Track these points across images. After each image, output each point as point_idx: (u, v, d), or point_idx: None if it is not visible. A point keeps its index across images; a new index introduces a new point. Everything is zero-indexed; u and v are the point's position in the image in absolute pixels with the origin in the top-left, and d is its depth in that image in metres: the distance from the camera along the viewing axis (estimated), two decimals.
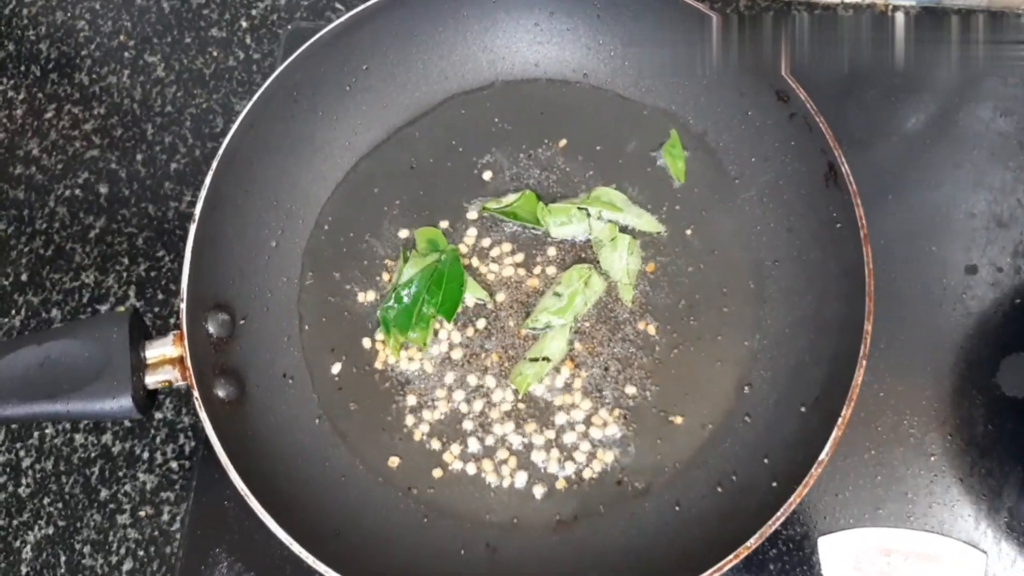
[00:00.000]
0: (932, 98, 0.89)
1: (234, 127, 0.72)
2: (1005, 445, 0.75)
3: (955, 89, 0.89)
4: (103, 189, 0.92)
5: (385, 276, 0.79)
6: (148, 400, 0.66)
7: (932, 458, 0.75)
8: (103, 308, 0.87)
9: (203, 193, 0.70)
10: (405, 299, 0.75)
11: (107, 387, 0.62)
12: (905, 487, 0.74)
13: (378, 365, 0.75)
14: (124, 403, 0.62)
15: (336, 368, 0.75)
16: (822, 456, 0.62)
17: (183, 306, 0.67)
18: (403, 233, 0.80)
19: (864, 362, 0.64)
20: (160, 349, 0.66)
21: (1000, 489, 0.74)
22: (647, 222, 0.78)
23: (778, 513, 0.61)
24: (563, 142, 0.82)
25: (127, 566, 0.76)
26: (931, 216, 0.83)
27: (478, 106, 0.84)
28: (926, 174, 0.85)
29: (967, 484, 0.74)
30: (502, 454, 0.72)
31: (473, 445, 0.72)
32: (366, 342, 0.76)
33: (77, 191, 0.92)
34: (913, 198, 0.84)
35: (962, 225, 0.83)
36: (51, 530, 0.78)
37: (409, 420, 0.73)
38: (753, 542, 0.61)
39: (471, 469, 0.72)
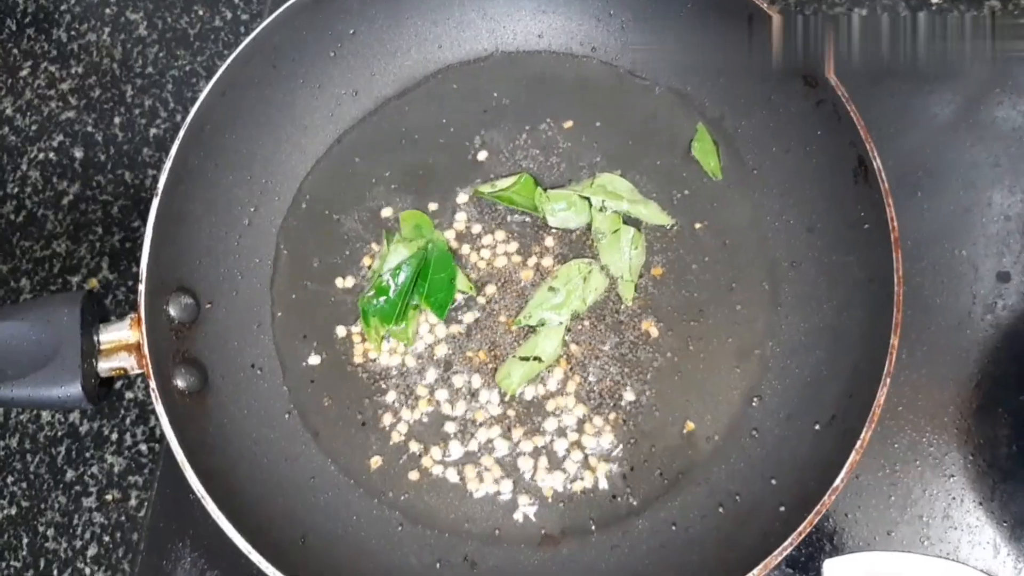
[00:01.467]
0: (969, 91, 0.82)
1: (204, 92, 0.67)
2: None
3: (994, 81, 0.82)
4: (78, 153, 0.88)
5: (366, 261, 0.73)
6: (102, 388, 0.61)
7: (951, 479, 0.70)
8: (74, 279, 0.83)
9: (168, 164, 0.65)
10: (391, 291, 0.70)
11: (55, 373, 0.58)
12: (920, 509, 0.70)
13: (356, 358, 0.71)
14: (73, 391, 0.59)
15: (310, 360, 0.71)
16: (837, 482, 0.57)
17: (142, 287, 0.62)
18: (386, 212, 0.75)
19: (888, 380, 0.58)
20: (115, 334, 0.61)
21: (1023, 515, 0.69)
22: (654, 213, 0.72)
23: (785, 543, 0.56)
24: (568, 123, 0.76)
25: (91, 551, 0.73)
26: (963, 218, 0.77)
27: (475, 78, 0.78)
28: (959, 172, 0.79)
29: (987, 508, 0.70)
30: (486, 460, 0.67)
31: (455, 449, 0.68)
32: (343, 332, 0.71)
33: (51, 154, 0.88)
34: (944, 198, 0.78)
35: (996, 228, 0.77)
36: (14, 510, 0.75)
37: (387, 419, 0.69)
38: (758, 572, 0.56)
39: (451, 475, 0.67)
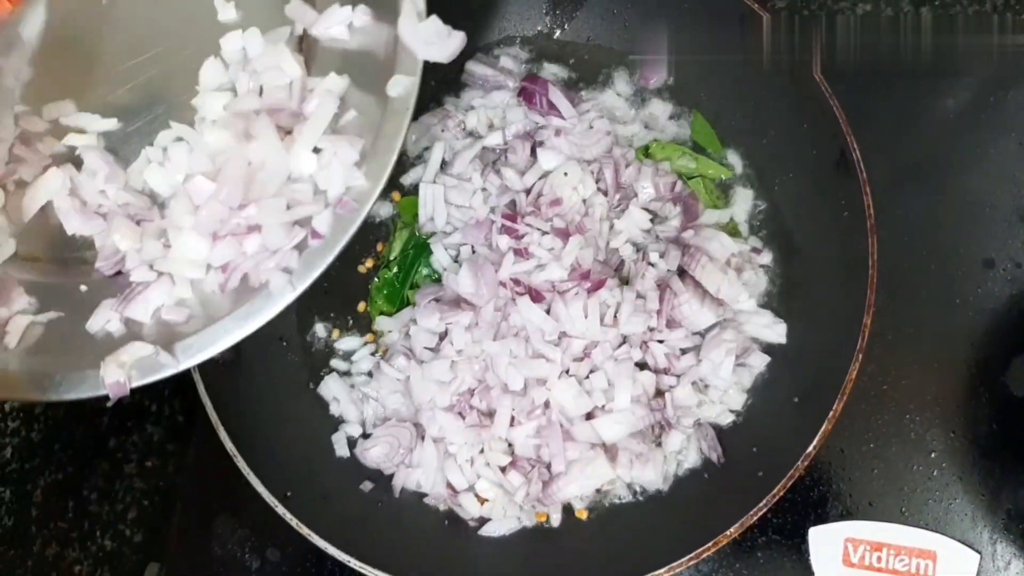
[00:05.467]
0: (966, 86, 0.84)
1: None
2: (1009, 445, 0.74)
3: (991, 77, 0.84)
4: None
5: (379, 247, 0.77)
6: None
7: (932, 454, 0.74)
8: None
9: None
10: (392, 276, 0.75)
11: None
12: (902, 482, 0.73)
13: (367, 334, 0.75)
14: None
15: (332, 334, 0.75)
16: (809, 449, 0.61)
17: None
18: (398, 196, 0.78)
19: (860, 356, 0.62)
20: None
21: (1000, 490, 0.73)
22: (713, 167, 0.76)
23: (760, 504, 0.61)
24: None
25: (131, 515, 0.78)
26: (952, 206, 0.80)
27: None
28: (951, 163, 0.82)
29: (966, 483, 0.73)
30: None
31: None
32: (362, 308, 0.76)
33: None
34: (935, 187, 0.81)
35: (983, 217, 0.80)
36: (60, 476, 0.78)
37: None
38: (734, 531, 0.61)
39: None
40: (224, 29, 0.56)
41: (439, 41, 0.52)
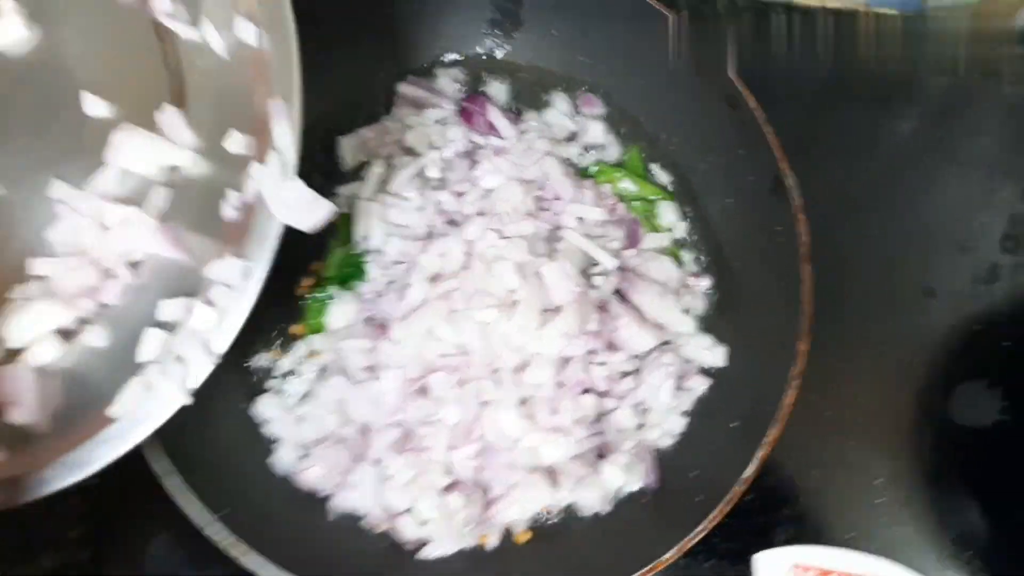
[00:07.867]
0: (911, 111, 0.86)
1: None
2: (953, 473, 0.75)
3: (936, 103, 0.86)
4: None
5: (315, 265, 0.76)
6: None
7: (877, 481, 0.74)
8: None
9: None
10: (327, 296, 0.74)
11: None
12: (848, 508, 0.74)
13: (301, 352, 0.74)
14: None
15: (269, 354, 0.74)
16: (746, 474, 0.61)
17: None
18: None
19: (796, 382, 0.62)
20: None
21: (945, 516, 0.73)
22: (650, 188, 0.77)
23: (698, 528, 0.60)
24: None
25: (73, 534, 0.75)
26: (894, 235, 0.82)
27: None
28: (894, 191, 0.83)
29: (912, 509, 0.73)
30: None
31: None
32: (297, 329, 0.75)
33: None
34: (877, 215, 0.82)
35: (924, 246, 0.81)
36: None
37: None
38: (671, 555, 0.60)
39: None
40: (95, 124, 0.50)
41: (301, 208, 0.44)
